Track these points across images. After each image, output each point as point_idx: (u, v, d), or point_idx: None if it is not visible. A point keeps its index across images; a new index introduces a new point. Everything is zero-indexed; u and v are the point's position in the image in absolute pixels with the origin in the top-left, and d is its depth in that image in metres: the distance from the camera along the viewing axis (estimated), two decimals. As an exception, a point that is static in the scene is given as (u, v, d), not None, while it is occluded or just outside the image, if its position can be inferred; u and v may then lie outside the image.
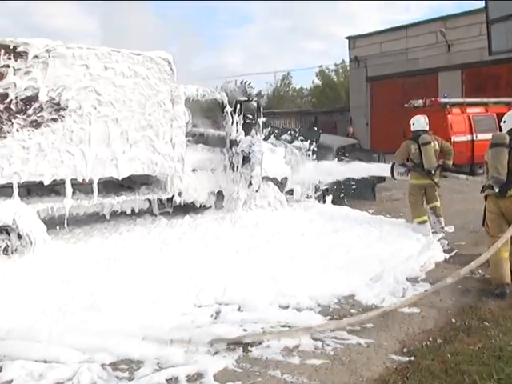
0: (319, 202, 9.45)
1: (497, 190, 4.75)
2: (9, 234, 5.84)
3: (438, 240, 6.87)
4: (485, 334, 3.95)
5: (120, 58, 6.44)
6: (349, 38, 26.46)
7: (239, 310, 4.58)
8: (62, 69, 5.99)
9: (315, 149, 9.63)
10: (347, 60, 28.07)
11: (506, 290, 4.78)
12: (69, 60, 6.03)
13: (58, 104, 6.01)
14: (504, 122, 5.01)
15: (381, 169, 8.69)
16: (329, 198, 9.41)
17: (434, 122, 15.24)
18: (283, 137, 10.11)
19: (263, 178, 8.28)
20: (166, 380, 3.31)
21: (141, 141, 6.75)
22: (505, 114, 5.18)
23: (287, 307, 4.64)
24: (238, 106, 7.96)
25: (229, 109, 7.98)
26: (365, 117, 25.47)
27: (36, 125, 5.89)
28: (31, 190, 6.34)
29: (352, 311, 4.58)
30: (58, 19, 53.49)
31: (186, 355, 3.60)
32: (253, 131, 7.88)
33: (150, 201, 7.52)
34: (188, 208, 8.17)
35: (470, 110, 15.76)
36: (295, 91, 41.30)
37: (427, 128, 7.51)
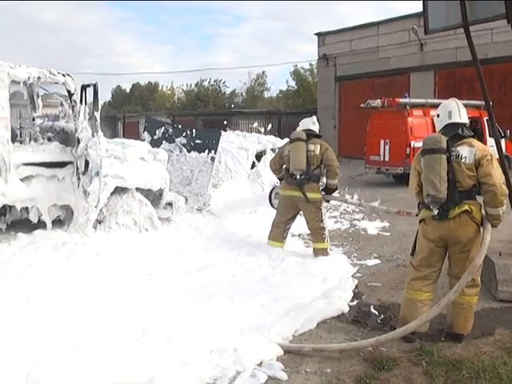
0: None
1: (435, 211, 3.53)
2: None
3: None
4: None
5: None
6: (318, 34, 24.50)
7: None
8: None
9: (214, 155, 7.63)
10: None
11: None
12: None
13: None
14: (437, 115, 3.88)
15: None
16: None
17: (392, 125, 13.69)
18: (178, 140, 8.11)
19: (126, 190, 6.32)
20: None
21: None
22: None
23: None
24: (84, 93, 5.93)
25: (77, 97, 6.00)
26: (333, 119, 23.58)
27: None
28: None
29: None
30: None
31: None
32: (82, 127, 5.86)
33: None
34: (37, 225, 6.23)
35: (433, 112, 13.80)
36: (267, 90, 39.71)
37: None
